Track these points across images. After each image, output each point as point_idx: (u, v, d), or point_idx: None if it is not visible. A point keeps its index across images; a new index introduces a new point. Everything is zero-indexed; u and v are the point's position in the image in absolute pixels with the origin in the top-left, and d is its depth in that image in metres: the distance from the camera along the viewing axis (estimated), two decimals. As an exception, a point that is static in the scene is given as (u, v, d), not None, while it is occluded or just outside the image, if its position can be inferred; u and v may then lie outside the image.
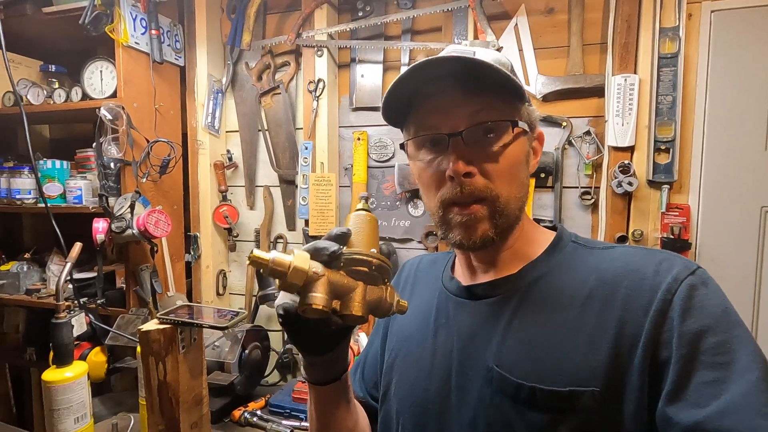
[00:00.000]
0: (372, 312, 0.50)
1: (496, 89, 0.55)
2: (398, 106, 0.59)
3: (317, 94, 1.53)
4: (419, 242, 1.56)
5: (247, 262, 0.46)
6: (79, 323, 1.19)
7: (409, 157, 0.62)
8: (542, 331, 0.54)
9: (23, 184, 1.58)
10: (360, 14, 1.53)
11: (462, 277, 0.66)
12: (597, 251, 0.58)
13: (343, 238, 0.50)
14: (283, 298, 0.50)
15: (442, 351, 0.61)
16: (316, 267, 0.47)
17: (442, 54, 0.59)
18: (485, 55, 0.57)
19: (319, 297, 0.46)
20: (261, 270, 0.46)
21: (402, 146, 0.62)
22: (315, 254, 0.48)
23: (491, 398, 0.54)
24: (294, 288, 0.47)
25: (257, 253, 0.46)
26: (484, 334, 0.58)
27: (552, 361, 0.52)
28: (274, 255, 0.46)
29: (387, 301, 0.51)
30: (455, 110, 0.55)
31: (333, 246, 0.48)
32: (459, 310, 0.62)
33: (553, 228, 0.64)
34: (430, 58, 0.53)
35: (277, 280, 0.47)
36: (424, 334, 0.65)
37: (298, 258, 0.46)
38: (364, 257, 0.49)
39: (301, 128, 1.61)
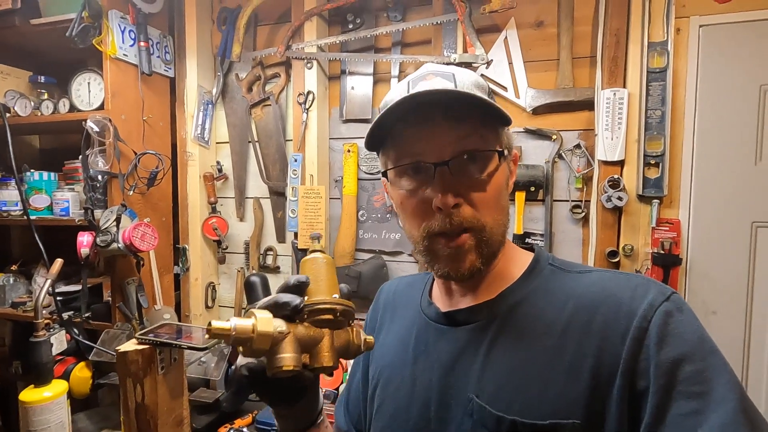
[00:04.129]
0: (342, 356, 0.49)
1: (479, 116, 0.54)
2: (379, 133, 0.58)
3: (307, 106, 1.52)
4: (409, 255, 1.55)
5: (206, 335, 0.43)
6: (59, 341, 1.16)
7: (390, 184, 0.60)
8: (521, 361, 0.53)
9: (10, 195, 1.56)
10: (350, 27, 1.52)
11: (440, 302, 0.64)
12: (574, 275, 0.58)
13: (302, 288, 0.49)
14: (246, 358, 0.48)
15: (422, 380, 0.60)
16: (280, 325, 0.45)
17: (419, 72, 0.59)
18: (464, 77, 0.56)
19: (288, 358, 0.44)
20: (223, 341, 0.43)
21: (384, 173, 0.60)
22: (276, 310, 0.47)
23: (471, 430, 0.53)
24: (261, 353, 0.45)
25: (216, 324, 0.43)
26: (464, 362, 0.56)
27: (532, 393, 0.50)
28: (234, 323, 0.43)
29: (354, 342, 0.50)
30: (440, 138, 0.54)
31: (295, 300, 0.47)
32: (438, 338, 0.61)
33: (531, 249, 0.63)
34: (416, 92, 0.52)
35: (240, 346, 0.45)
36: (403, 362, 0.63)
37: (261, 321, 0.44)
38: (328, 305, 0.48)
39: (291, 140, 1.60)
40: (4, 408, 1.91)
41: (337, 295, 0.49)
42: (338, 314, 0.48)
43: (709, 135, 1.22)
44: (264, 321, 0.44)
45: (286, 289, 0.48)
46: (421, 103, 0.53)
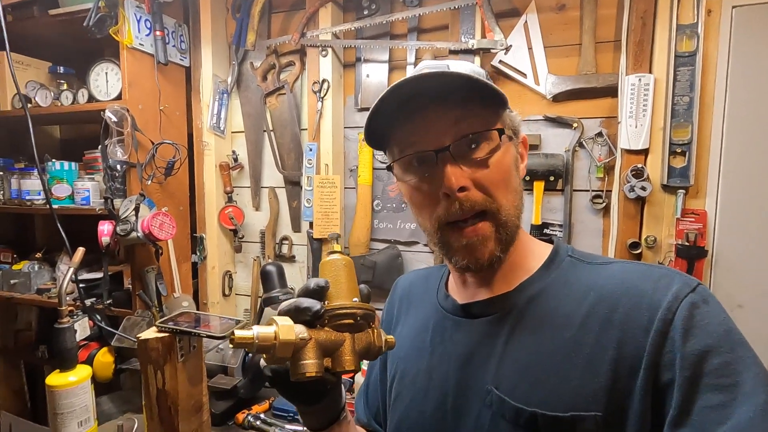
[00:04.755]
0: (363, 358, 0.50)
1: (475, 98, 0.53)
2: (380, 130, 0.57)
3: (322, 95, 1.51)
4: (425, 245, 1.54)
5: (230, 345, 0.44)
6: (83, 327, 1.20)
7: (397, 179, 0.60)
8: (541, 353, 0.52)
9: (33, 185, 1.60)
10: (365, 13, 1.50)
11: (457, 294, 0.64)
12: (594, 266, 0.56)
13: (322, 293, 0.49)
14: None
15: (439, 371, 0.60)
16: (302, 332, 0.45)
17: (416, 70, 0.58)
18: (459, 66, 0.55)
19: (311, 364, 0.45)
20: (246, 350, 0.44)
21: (389, 168, 0.60)
22: (297, 316, 0.47)
23: (490, 422, 0.53)
24: (284, 360, 0.45)
25: (239, 333, 0.43)
26: (482, 354, 0.56)
27: (552, 385, 0.50)
28: (257, 331, 0.43)
29: (375, 344, 0.50)
30: (438, 124, 0.53)
31: (315, 305, 0.47)
32: (455, 330, 0.60)
33: (549, 241, 0.62)
34: (402, 79, 0.52)
35: (264, 355, 0.45)
36: (420, 354, 0.63)
37: (282, 329, 0.44)
38: (348, 310, 0.48)
39: (306, 129, 1.59)
40: (32, 389, 1.98)
41: (356, 299, 0.50)
42: (358, 318, 0.48)
43: (740, 122, 1.17)
44: (285, 329, 0.44)
45: (306, 293, 0.48)
46: (413, 95, 0.53)
